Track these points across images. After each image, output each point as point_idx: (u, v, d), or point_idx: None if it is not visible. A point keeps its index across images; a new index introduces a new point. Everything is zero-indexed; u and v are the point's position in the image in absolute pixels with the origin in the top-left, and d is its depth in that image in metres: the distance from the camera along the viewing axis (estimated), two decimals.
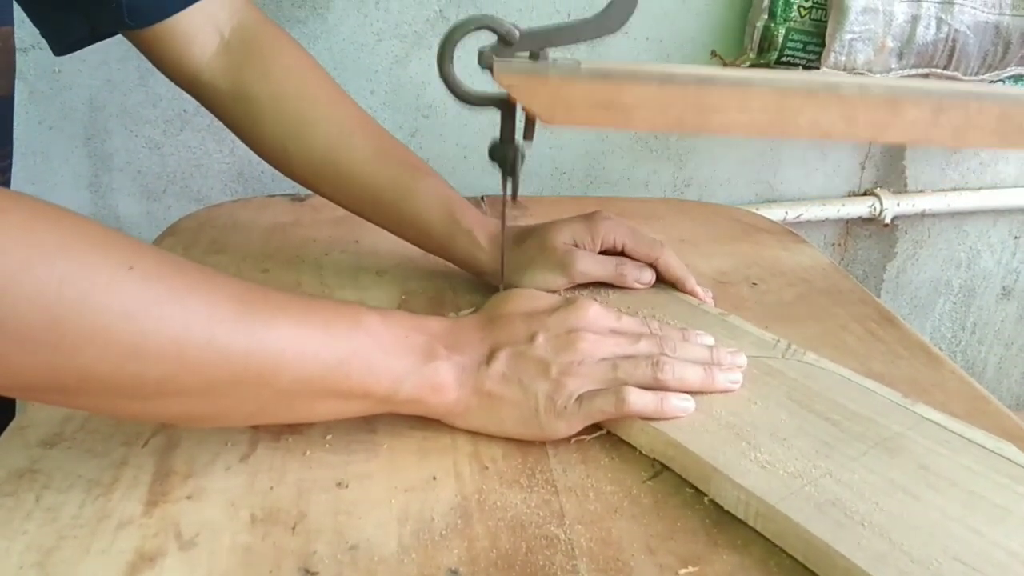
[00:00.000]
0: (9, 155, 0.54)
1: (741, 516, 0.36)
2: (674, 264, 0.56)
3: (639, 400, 0.40)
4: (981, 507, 0.34)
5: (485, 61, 0.39)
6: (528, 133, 0.43)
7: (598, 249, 0.55)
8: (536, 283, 0.54)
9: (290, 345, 0.35)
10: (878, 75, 0.91)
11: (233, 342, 0.33)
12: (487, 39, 0.39)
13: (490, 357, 0.40)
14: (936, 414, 0.41)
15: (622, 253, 0.56)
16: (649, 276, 0.55)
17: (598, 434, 0.42)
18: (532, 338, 0.41)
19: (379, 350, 0.38)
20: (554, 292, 0.53)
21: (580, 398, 0.40)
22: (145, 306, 0.31)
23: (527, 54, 0.39)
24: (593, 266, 0.54)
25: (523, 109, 0.40)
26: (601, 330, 0.43)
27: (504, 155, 0.45)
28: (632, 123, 0.41)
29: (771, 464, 0.37)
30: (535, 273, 0.55)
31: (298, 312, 0.36)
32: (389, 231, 0.59)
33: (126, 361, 0.31)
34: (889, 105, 0.40)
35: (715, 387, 0.42)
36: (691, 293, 0.55)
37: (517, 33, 0.39)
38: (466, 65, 0.40)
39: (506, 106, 0.43)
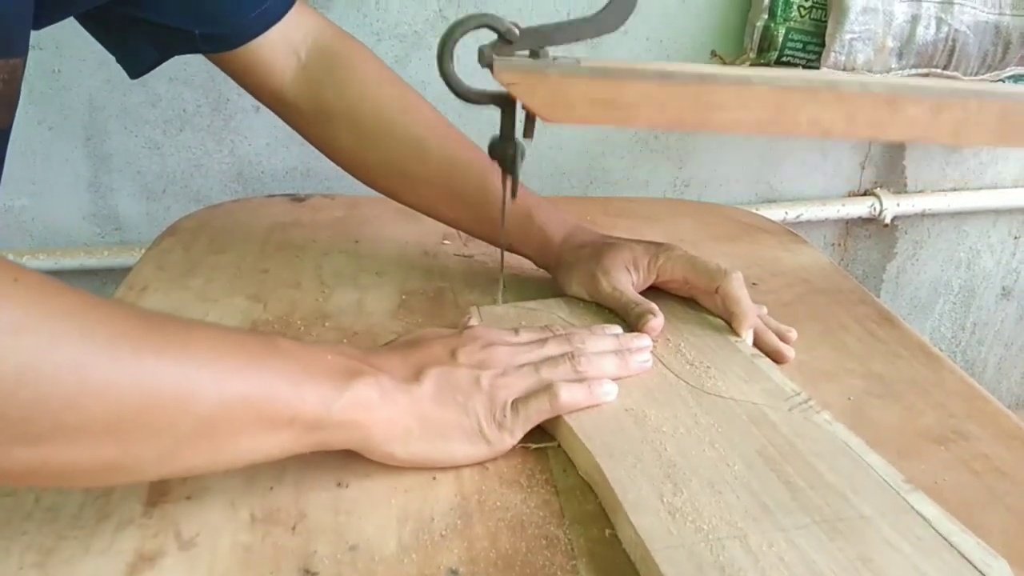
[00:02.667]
0: None
1: (631, 556, 0.34)
2: (732, 298, 0.50)
3: (569, 393, 0.41)
4: None
5: (485, 59, 0.39)
6: (528, 131, 0.43)
7: (652, 281, 0.54)
8: (568, 288, 0.55)
9: (207, 365, 0.32)
10: (878, 75, 0.91)
11: (142, 361, 0.30)
12: (487, 37, 0.39)
13: (417, 375, 0.39)
14: (932, 509, 0.35)
15: (684, 286, 0.53)
16: (652, 323, 0.49)
17: (551, 444, 0.41)
18: (453, 355, 0.41)
19: (301, 370, 0.35)
20: (577, 300, 0.54)
21: (515, 405, 0.40)
22: (35, 321, 0.27)
23: (527, 52, 0.39)
24: (610, 294, 0.52)
25: (523, 107, 0.40)
26: (506, 342, 0.43)
27: (504, 152, 0.45)
28: (632, 120, 0.40)
29: (683, 512, 0.34)
30: (571, 281, 0.55)
31: (208, 333, 0.34)
32: (464, 231, 0.61)
33: (17, 387, 0.26)
34: (889, 103, 0.40)
35: (630, 370, 0.44)
36: (742, 335, 0.49)
37: (517, 31, 0.39)
38: (466, 64, 0.40)
39: (506, 104, 0.43)
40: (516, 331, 0.45)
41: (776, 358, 0.49)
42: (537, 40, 0.39)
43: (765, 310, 0.54)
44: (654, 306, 0.50)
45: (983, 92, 0.40)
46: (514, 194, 0.46)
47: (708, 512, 0.34)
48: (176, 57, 0.58)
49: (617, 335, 0.46)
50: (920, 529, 0.34)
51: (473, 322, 0.50)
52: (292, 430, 0.34)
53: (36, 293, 0.28)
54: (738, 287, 0.50)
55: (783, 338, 0.51)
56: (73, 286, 0.30)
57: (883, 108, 0.40)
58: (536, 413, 0.40)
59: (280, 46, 0.56)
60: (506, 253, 0.57)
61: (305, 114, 0.58)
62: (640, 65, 0.40)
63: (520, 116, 0.43)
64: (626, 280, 0.53)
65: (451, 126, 0.59)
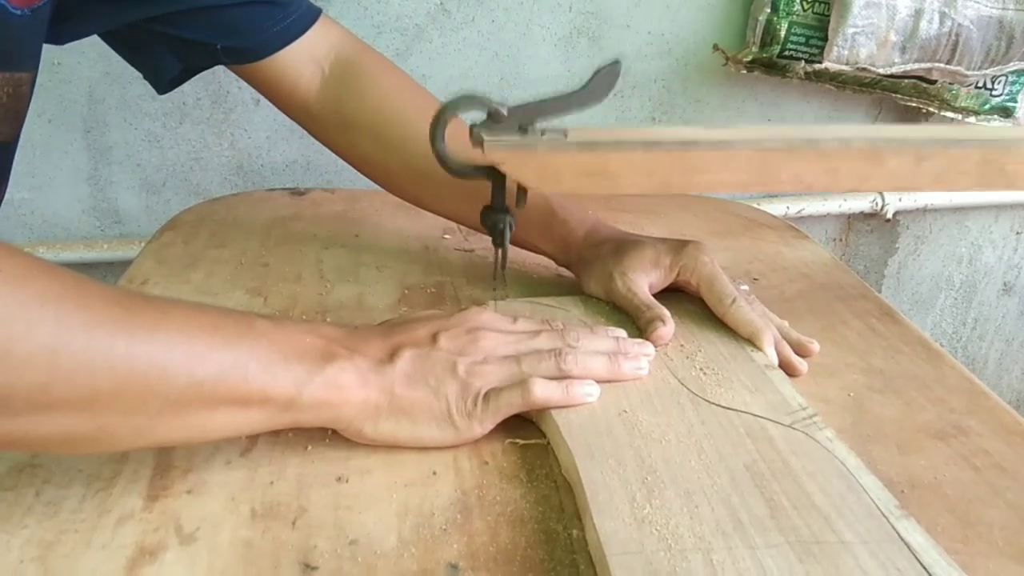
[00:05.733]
0: (1, 196, 0.55)
1: (593, 559, 0.34)
2: (743, 321, 0.49)
3: (543, 390, 0.40)
4: None
5: (475, 138, 0.41)
6: (520, 201, 0.44)
7: (671, 281, 0.52)
8: (586, 286, 0.54)
9: (179, 346, 0.33)
10: (881, 69, 0.91)
11: (115, 345, 0.31)
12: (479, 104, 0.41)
13: (392, 356, 0.39)
14: (920, 538, 0.33)
15: (698, 290, 0.52)
16: (661, 332, 0.47)
17: (540, 441, 0.41)
18: (434, 339, 0.41)
19: (275, 352, 0.36)
20: (594, 299, 0.53)
21: (487, 396, 0.40)
22: (10, 309, 0.28)
23: (516, 127, 0.41)
24: (624, 295, 0.51)
25: (513, 180, 0.42)
26: (497, 328, 0.43)
27: (495, 224, 0.46)
28: (619, 188, 0.42)
29: (652, 521, 0.34)
30: (590, 279, 0.54)
31: (184, 315, 0.34)
32: (487, 233, 0.56)
33: None
34: (871, 156, 0.41)
35: (621, 375, 0.43)
36: (763, 349, 0.48)
37: (504, 111, 0.41)
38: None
39: (496, 177, 0.44)
40: (515, 319, 0.45)
41: (789, 371, 0.47)
42: (525, 116, 0.41)
43: (786, 324, 0.52)
44: (666, 313, 0.48)
45: (963, 140, 0.41)
46: (503, 266, 0.48)
47: (677, 522, 0.34)
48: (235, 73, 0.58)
49: (617, 338, 0.45)
50: (902, 559, 0.32)
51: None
52: (264, 409, 0.36)
53: (13, 278, 0.29)
54: (744, 314, 0.49)
55: (803, 350, 0.50)
56: (58, 266, 0.31)
57: (864, 162, 0.41)
58: (507, 406, 0.40)
59: (304, 60, 0.57)
60: (523, 252, 0.59)
61: (330, 126, 0.59)
62: (625, 134, 0.42)
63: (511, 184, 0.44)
64: (643, 281, 0.51)
65: None
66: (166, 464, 0.38)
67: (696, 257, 0.51)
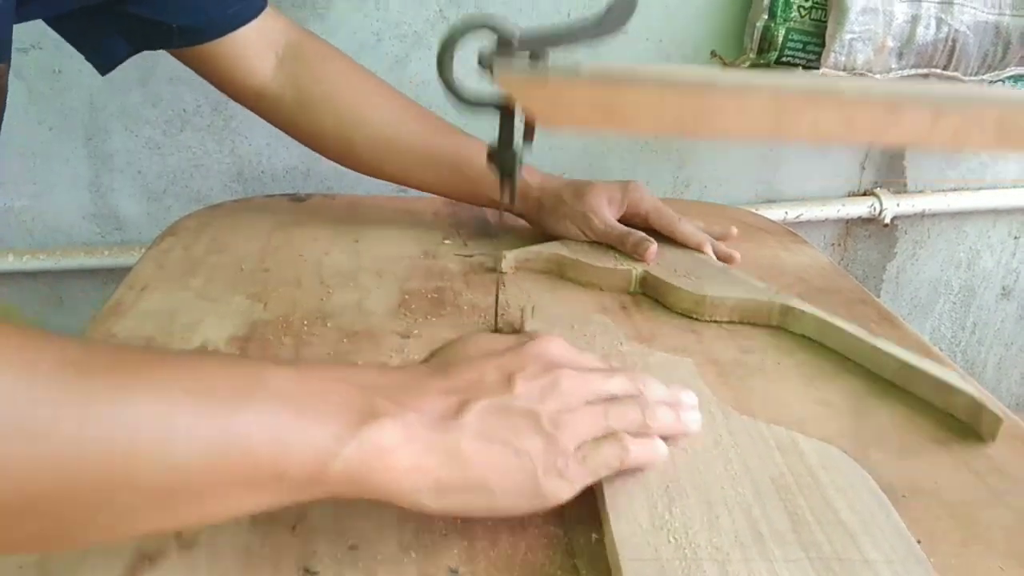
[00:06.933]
0: None
1: (610, 563, 0.33)
2: (690, 233, 0.63)
3: (639, 452, 0.35)
4: None
5: (485, 62, 0.39)
6: (528, 135, 0.43)
7: (624, 211, 0.64)
8: (559, 231, 0.63)
9: (150, 420, 0.25)
10: (878, 75, 0.91)
11: (59, 424, 0.23)
12: (486, 35, 0.39)
13: (459, 410, 0.32)
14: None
15: (646, 219, 0.64)
16: (651, 250, 0.60)
17: None
18: (510, 383, 0.33)
19: (294, 415, 0.28)
20: (573, 240, 0.63)
21: (582, 454, 0.33)
22: None
23: (527, 55, 0.39)
24: (604, 230, 0.62)
25: (523, 111, 0.40)
26: (574, 364, 0.36)
27: (503, 159, 0.45)
28: (632, 126, 0.40)
29: (670, 528, 0.33)
30: (563, 222, 0.63)
31: (168, 374, 0.27)
32: (444, 195, 0.67)
33: None
34: (889, 108, 0.40)
35: (685, 430, 0.38)
36: (707, 253, 0.63)
37: (517, 33, 0.39)
38: (463, 64, 0.40)
39: (505, 110, 0.43)
40: (579, 350, 0.38)
41: (729, 261, 0.62)
42: (537, 44, 0.39)
43: (702, 225, 0.66)
44: (646, 235, 0.60)
45: (983, 96, 0.41)
46: (512, 200, 0.46)
47: (696, 532, 0.33)
48: (176, 58, 0.58)
49: (666, 387, 0.39)
50: None
51: (529, 326, 0.49)
52: (280, 489, 0.28)
53: None
54: (690, 229, 0.63)
55: (729, 257, 0.63)
56: (19, 328, 0.25)
57: (882, 113, 0.40)
58: (605, 467, 0.34)
59: (259, 42, 0.60)
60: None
61: (289, 104, 0.62)
62: (640, 70, 0.40)
63: (520, 120, 0.43)
64: (611, 215, 0.63)
65: (422, 106, 0.65)
66: None
67: (640, 192, 0.64)
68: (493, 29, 0.39)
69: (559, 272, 0.61)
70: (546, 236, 0.65)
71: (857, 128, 0.40)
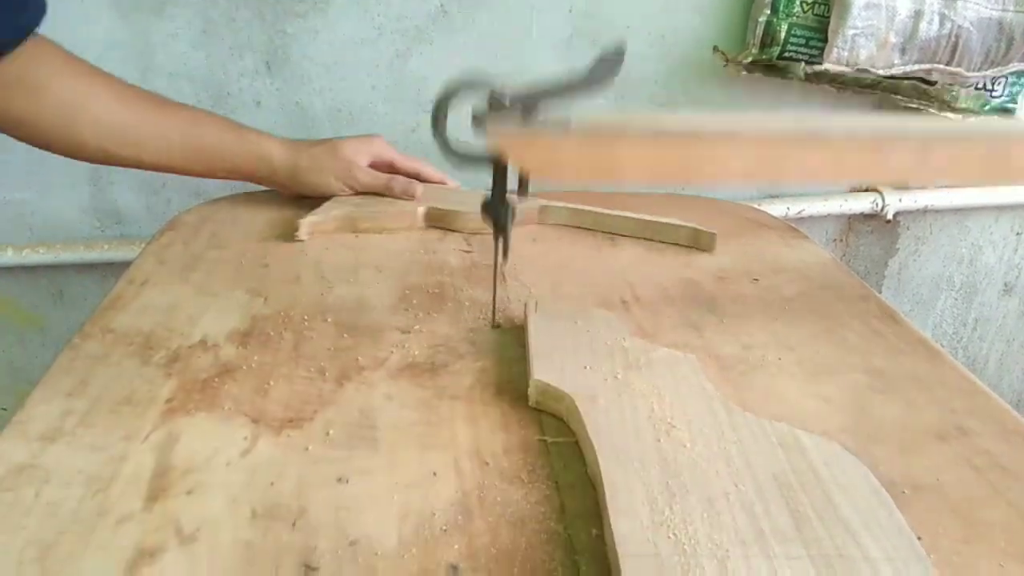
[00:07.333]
0: None
1: (610, 560, 0.33)
2: (432, 172, 0.73)
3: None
4: None
5: (478, 122, 0.41)
6: (522, 189, 0.44)
7: (371, 161, 0.70)
8: (322, 187, 0.68)
9: None
10: (881, 71, 0.91)
11: None
12: (480, 91, 0.40)
13: None
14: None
15: (391, 166, 0.71)
16: (417, 189, 0.69)
17: (570, 440, 0.41)
18: None
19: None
20: (339, 195, 0.69)
21: None
22: None
23: (520, 109, 0.41)
24: (370, 179, 0.69)
25: (516, 167, 0.42)
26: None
27: (497, 213, 0.46)
28: (623, 177, 0.42)
29: (670, 525, 0.34)
30: (327, 178, 0.68)
31: None
32: (181, 173, 0.67)
33: None
34: (876, 147, 0.40)
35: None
36: (438, 181, 0.73)
37: (507, 98, 0.40)
38: (458, 111, 0.41)
39: (498, 164, 0.43)
40: None
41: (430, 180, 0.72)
42: (528, 99, 0.41)
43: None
44: (408, 178, 0.69)
45: (968, 132, 0.41)
46: (506, 254, 0.49)
47: (696, 528, 0.34)
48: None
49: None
50: None
51: (532, 321, 0.49)
52: None
53: None
54: (433, 169, 0.73)
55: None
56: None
57: (870, 153, 0.41)
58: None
59: None
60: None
61: (16, 98, 0.58)
62: (630, 121, 0.41)
63: (513, 172, 0.44)
64: (367, 165, 0.69)
65: (140, 88, 0.64)
66: (166, 465, 0.38)
67: (382, 143, 0.71)
68: (484, 89, 0.40)
69: (352, 227, 0.67)
70: (307, 200, 0.69)
71: (846, 168, 0.41)
